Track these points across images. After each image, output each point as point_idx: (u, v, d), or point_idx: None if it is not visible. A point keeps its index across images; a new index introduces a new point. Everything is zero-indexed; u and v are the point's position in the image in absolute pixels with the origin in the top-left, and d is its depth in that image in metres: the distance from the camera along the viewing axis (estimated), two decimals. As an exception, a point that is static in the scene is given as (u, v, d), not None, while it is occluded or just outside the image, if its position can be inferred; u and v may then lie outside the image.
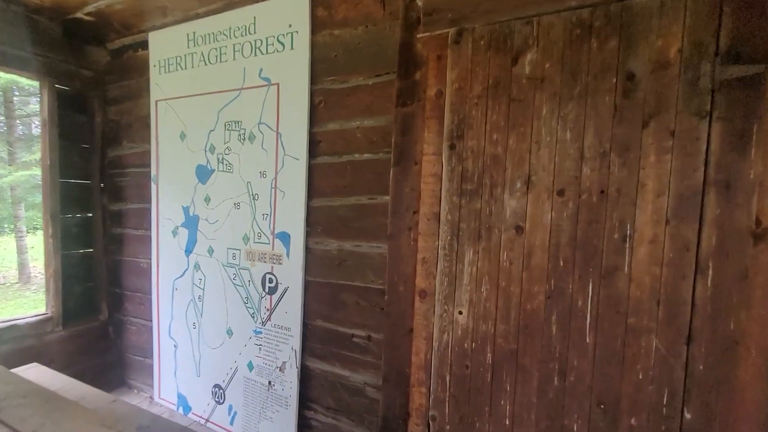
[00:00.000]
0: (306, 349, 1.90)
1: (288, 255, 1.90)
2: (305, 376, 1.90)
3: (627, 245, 1.22)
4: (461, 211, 1.48)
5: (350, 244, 1.78)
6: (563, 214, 1.31)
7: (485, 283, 1.44)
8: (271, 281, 1.96)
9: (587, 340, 1.28)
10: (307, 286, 1.89)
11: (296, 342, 1.88)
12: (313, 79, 1.83)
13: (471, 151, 1.46)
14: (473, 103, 1.45)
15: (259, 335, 2.00)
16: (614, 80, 1.23)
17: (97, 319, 2.70)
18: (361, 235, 1.75)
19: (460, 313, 1.48)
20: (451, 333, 1.50)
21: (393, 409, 1.64)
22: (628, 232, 1.22)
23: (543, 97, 1.33)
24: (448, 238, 1.50)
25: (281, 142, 1.90)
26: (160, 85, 2.35)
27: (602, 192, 1.25)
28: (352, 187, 1.77)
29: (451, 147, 1.49)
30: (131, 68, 2.52)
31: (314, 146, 1.85)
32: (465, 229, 1.47)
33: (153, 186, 2.40)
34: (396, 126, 1.62)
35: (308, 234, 1.88)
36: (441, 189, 1.52)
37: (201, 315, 2.23)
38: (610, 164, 1.24)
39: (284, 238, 1.91)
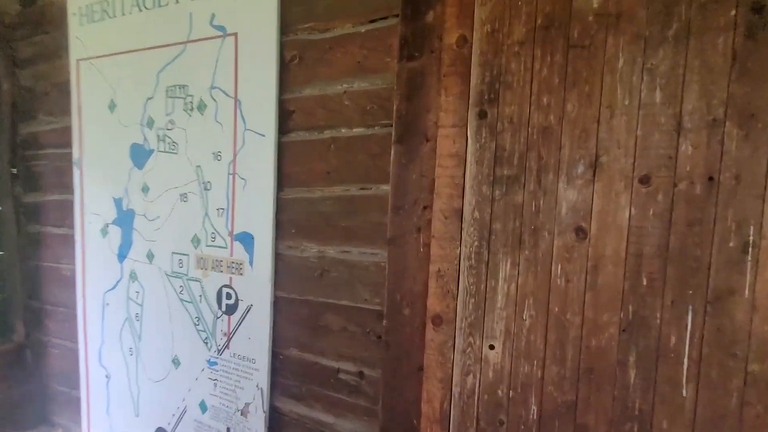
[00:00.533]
0: (276, 386, 1.45)
1: (251, 263, 1.43)
2: (275, 423, 1.45)
3: (749, 257, 0.83)
4: (495, 207, 1.05)
5: (335, 249, 1.33)
6: (648, 212, 0.91)
7: (529, 307, 1.02)
8: (229, 297, 1.49)
9: (684, 394, 0.89)
10: (278, 305, 1.43)
11: (263, 377, 1.43)
12: (284, 27, 1.35)
13: (509, 120, 1.03)
14: (513, 53, 1.02)
15: (215, 367, 1.53)
16: (732, 12, 0.83)
17: (10, 339, 2.14)
18: (350, 238, 1.30)
19: (492, 348, 1.07)
20: (478, 375, 1.09)
21: (395, 473, 1.22)
22: (752, 238, 0.83)
23: (619, 41, 0.92)
24: (476, 243, 1.08)
25: (240, 113, 1.42)
26: (82, 39, 1.80)
27: (711, 179, 0.86)
28: (338, 173, 1.31)
29: (481, 115, 1.06)
30: (47, 19, 1.94)
31: (285, 118, 1.38)
32: (500, 231, 1.05)
33: (76, 171, 1.86)
34: (399, 88, 1.17)
35: (278, 236, 1.42)
36: (465, 175, 1.09)
37: (139, 338, 1.73)
38: (724, 138, 0.85)
39: (246, 240, 1.44)
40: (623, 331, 0.94)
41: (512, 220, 1.03)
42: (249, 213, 1.43)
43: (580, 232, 0.97)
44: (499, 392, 1.06)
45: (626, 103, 0.92)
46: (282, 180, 1.40)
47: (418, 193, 1.16)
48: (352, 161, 1.29)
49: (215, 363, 1.53)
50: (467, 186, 1.08)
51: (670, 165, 0.89)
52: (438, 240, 1.13)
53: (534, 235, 1.01)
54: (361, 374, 1.30)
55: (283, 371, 1.44)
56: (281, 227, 1.41)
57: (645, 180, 0.91)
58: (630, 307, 0.93)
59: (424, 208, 1.15)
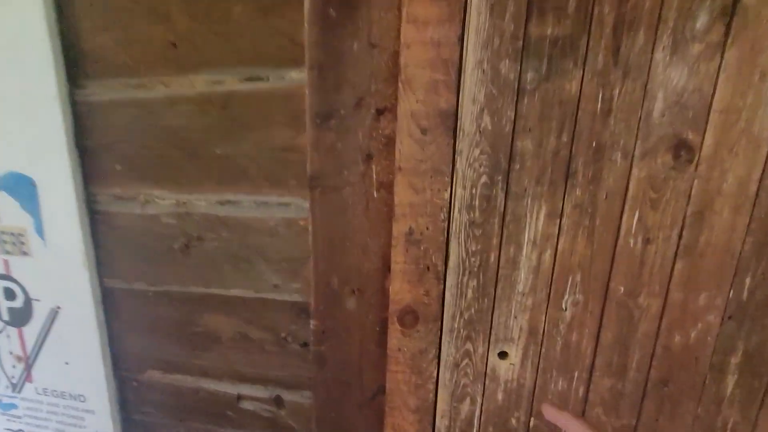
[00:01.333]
0: (134, 429, 0.88)
1: (40, 231, 0.75)
2: (142, 479, 0.90)
3: None
4: (524, 105, 0.53)
5: (208, 199, 0.71)
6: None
7: (574, 288, 0.58)
8: (11, 296, 0.80)
9: (812, 408, 0.56)
10: (112, 302, 0.80)
11: (105, 421, 0.84)
12: None
13: None
14: None
15: (13, 412, 0.88)
16: None
17: None
18: (234, 178, 0.69)
19: (504, 356, 0.63)
20: (479, 400, 0.65)
21: None
22: None
23: None
24: (483, 179, 0.57)
25: None
26: None
27: None
28: (195, 44, 0.64)
29: None
30: None
31: None
32: (531, 153, 0.55)
33: None
34: None
35: (90, 178, 0.74)
36: (464, 42, 0.53)
37: None
38: None
39: (19, 187, 0.73)
40: (728, 319, 0.55)
41: (556, 129, 0.53)
42: (12, 132, 0.70)
43: (684, 151, 0.51)
44: (513, 422, 0.65)
45: None
46: (78, 63, 0.68)
47: (366, 83, 0.58)
48: (222, 19, 0.63)
49: (13, 406, 0.87)
50: (468, 64, 0.53)
51: None
52: (408, 175, 0.59)
53: (595, 157, 0.53)
54: (278, 401, 0.79)
55: (142, 406, 0.86)
56: (93, 161, 0.73)
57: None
58: (747, 282, 0.54)
59: (380, 112, 0.58)
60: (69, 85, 0.69)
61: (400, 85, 0.56)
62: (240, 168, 0.68)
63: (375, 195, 0.62)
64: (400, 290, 0.64)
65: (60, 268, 0.76)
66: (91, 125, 0.71)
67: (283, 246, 0.70)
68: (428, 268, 0.62)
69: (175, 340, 0.80)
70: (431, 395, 0.67)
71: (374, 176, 0.61)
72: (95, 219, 0.76)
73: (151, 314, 0.79)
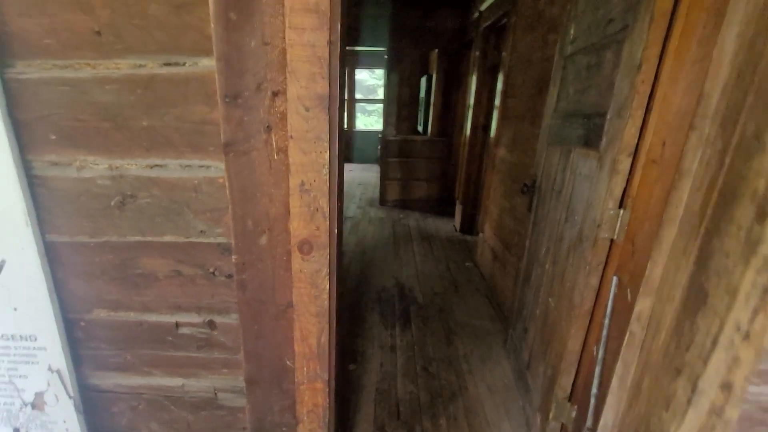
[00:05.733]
0: (85, 361, 1.04)
1: (-19, 196, 0.85)
2: (95, 404, 1.07)
3: None
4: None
5: (138, 163, 0.87)
6: None
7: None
8: (-46, 254, 0.90)
9: None
10: (56, 254, 0.93)
11: (57, 356, 0.99)
12: None
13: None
14: None
15: (-37, 358, 0.99)
16: None
17: None
18: (161, 145, 0.85)
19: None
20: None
21: (270, 417, 1.05)
22: None
23: None
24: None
25: None
26: None
27: None
28: (118, 34, 0.78)
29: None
30: None
31: None
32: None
33: None
34: None
35: (26, 146, 0.85)
36: (329, 41, 0.74)
37: None
38: None
39: (-43, 158, 0.82)
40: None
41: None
42: (-55, 108, 0.79)
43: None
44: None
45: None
46: (4, 43, 0.78)
47: (263, 72, 0.77)
48: (141, 14, 0.77)
49: (-38, 352, 0.98)
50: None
51: None
52: (298, 142, 0.80)
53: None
54: (210, 324, 1.00)
55: (90, 341, 1.02)
56: (28, 131, 0.84)
57: None
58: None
59: (275, 94, 0.79)
60: (-3, 64, 0.79)
61: (288, 75, 0.76)
62: (165, 137, 0.85)
63: (275, 157, 0.83)
64: (298, 227, 0.87)
65: (3, 226, 0.87)
66: (24, 100, 0.82)
67: (206, 200, 0.89)
68: (317, 209, 0.85)
69: (118, 282, 0.96)
70: (326, 302, 0.92)
71: (274, 143, 0.82)
72: (33, 182, 0.87)
73: (93, 262, 0.94)
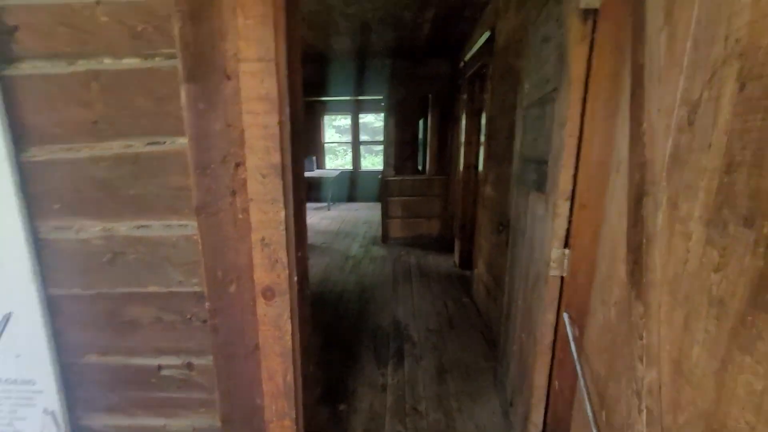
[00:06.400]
0: (78, 403, 1.14)
1: (-4, 258, 1.01)
2: (85, 443, 1.17)
3: None
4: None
5: (127, 225, 1.02)
6: None
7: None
8: (-30, 308, 1.04)
9: None
10: (56, 306, 1.07)
11: (52, 399, 1.10)
12: None
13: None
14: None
15: (-28, 402, 1.11)
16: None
17: None
18: (146, 209, 1.01)
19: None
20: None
21: (243, 455, 1.12)
22: None
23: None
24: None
25: None
26: None
27: None
28: (112, 123, 0.96)
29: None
30: None
31: (6, 38, 0.91)
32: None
33: None
34: (179, 2, 0.86)
35: (35, 214, 1.01)
36: (279, 121, 0.90)
37: None
38: None
39: (-22, 227, 0.99)
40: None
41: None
42: (-29, 187, 0.96)
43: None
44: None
45: None
46: (22, 135, 0.96)
47: (227, 148, 0.93)
48: (128, 106, 0.95)
49: (-29, 396, 1.10)
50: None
51: None
52: (257, 203, 0.94)
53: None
54: (189, 366, 1.11)
55: (83, 384, 1.13)
56: (37, 203, 1.01)
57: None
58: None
59: (237, 165, 0.94)
60: (13, 150, 0.97)
61: (246, 150, 0.92)
62: (149, 203, 1.00)
63: (240, 216, 0.97)
64: (261, 276, 0.99)
65: (11, 282, 1.02)
66: (34, 178, 0.99)
67: (183, 254, 1.02)
68: (277, 261, 0.98)
69: (107, 329, 1.08)
70: (289, 343, 1.02)
71: (238, 205, 0.96)
72: (39, 245, 1.03)
73: (87, 311, 1.07)
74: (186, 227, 1.01)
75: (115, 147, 0.97)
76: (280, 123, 0.90)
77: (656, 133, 0.77)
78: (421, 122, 5.70)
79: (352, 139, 8.79)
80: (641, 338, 0.77)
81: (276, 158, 0.92)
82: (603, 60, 1.00)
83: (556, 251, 1.22)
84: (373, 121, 12.59)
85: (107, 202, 1.01)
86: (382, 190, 5.08)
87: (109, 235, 1.02)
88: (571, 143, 1.13)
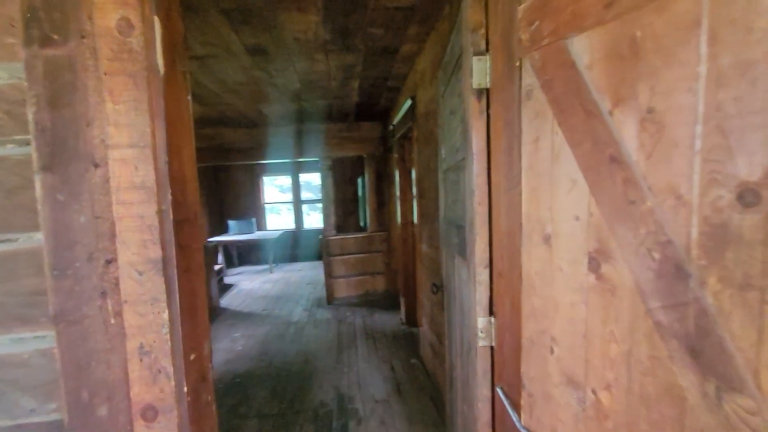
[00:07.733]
0: None
1: None
2: None
3: None
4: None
5: (-40, 344, 0.81)
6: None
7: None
8: None
9: None
10: None
11: None
12: None
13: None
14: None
15: None
16: None
17: None
18: (-13, 322, 0.81)
19: None
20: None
21: None
22: None
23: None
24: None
25: None
26: None
27: None
28: (-55, 220, 0.79)
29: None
30: None
31: None
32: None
33: None
34: (35, 87, 0.76)
35: None
36: (158, 210, 0.79)
37: None
38: None
39: None
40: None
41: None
42: None
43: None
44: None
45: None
46: None
47: (94, 243, 0.80)
48: (-31, 201, 0.79)
49: None
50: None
51: None
52: (133, 305, 0.80)
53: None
54: None
55: None
56: None
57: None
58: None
59: (108, 262, 0.80)
60: None
61: (118, 245, 0.79)
62: (-7, 313, 0.81)
63: (112, 321, 0.81)
64: (140, 392, 0.82)
65: None
66: None
67: (37, 374, 0.83)
68: (159, 371, 0.82)
69: (-75, 486, 0.82)
70: (176, 474, 0.84)
71: (110, 308, 0.81)
72: None
73: None
74: (43, 339, 0.83)
75: (-52, 249, 0.80)
76: (160, 212, 0.80)
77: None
78: (359, 180, 5.79)
79: (294, 199, 8.69)
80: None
81: (155, 252, 0.80)
82: (498, 135, 1.04)
83: (482, 320, 1.18)
84: (317, 179, 12.64)
85: (-65, 316, 0.80)
86: (323, 249, 4.95)
87: (-66, 360, 0.81)
88: (481, 211, 1.14)
